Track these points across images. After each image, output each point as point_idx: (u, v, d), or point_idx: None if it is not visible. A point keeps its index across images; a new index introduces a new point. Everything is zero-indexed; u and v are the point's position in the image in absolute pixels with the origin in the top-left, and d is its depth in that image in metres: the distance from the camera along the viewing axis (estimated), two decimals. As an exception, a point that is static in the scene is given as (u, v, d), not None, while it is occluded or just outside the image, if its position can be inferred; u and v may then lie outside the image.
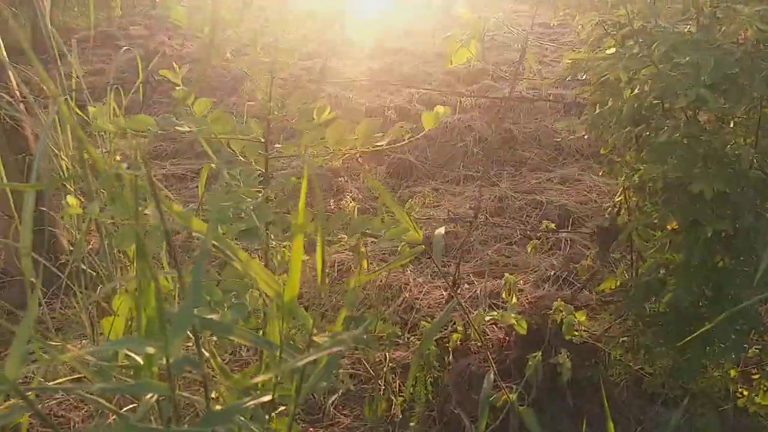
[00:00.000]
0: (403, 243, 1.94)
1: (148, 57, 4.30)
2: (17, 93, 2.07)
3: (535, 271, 2.51)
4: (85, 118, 1.34)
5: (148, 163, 0.92)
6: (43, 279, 1.31)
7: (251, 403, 0.81)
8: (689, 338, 1.32)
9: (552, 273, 2.42)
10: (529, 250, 1.98)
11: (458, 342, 1.77)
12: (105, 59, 5.97)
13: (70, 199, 1.21)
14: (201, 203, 1.34)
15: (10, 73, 2.03)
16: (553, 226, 2.01)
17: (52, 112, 1.44)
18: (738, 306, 1.32)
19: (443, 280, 2.48)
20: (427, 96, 4.37)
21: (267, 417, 1.00)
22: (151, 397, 0.82)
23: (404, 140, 1.27)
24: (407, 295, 2.31)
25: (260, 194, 1.28)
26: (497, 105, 4.13)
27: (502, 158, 3.73)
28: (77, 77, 1.75)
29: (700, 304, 1.57)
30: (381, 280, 2.36)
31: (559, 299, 1.78)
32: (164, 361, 0.65)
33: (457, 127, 3.93)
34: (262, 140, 1.24)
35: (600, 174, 1.64)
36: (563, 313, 1.74)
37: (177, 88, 1.31)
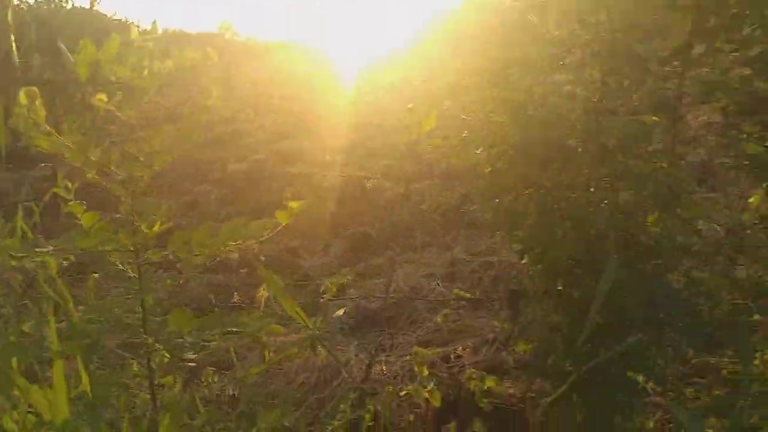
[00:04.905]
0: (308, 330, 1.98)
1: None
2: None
3: (478, 335, 2.52)
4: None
5: None
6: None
7: None
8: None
9: (491, 336, 2.43)
10: (438, 320, 2.01)
11: (372, 422, 1.78)
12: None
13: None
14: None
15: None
16: (465, 293, 2.04)
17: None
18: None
19: (387, 354, 2.51)
20: (387, 168, 4.50)
21: None
22: None
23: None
24: (346, 375, 2.32)
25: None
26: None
27: (458, 221, 3.80)
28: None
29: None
30: (320, 360, 2.39)
31: (471, 367, 1.80)
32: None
33: (415, 195, 4.03)
34: (131, 249, 1.33)
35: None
36: (475, 380, 1.76)
37: (69, 202, 1.41)
